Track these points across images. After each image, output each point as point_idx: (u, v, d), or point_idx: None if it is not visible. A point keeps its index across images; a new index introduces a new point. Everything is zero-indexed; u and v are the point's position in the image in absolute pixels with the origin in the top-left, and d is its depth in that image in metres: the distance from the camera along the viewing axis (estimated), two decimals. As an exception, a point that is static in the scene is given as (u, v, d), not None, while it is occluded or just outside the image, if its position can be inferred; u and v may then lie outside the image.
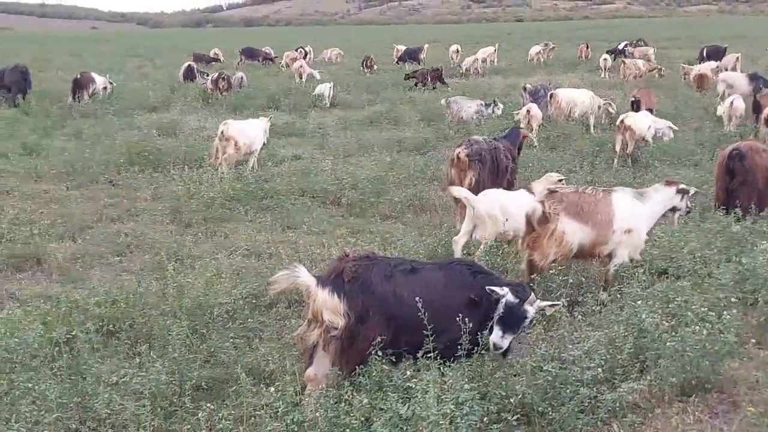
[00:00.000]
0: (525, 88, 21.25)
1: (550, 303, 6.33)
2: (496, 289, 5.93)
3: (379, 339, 5.66)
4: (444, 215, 11.80)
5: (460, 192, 9.65)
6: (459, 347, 5.73)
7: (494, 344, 5.89)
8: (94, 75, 25.42)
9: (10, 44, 65.02)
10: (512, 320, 5.95)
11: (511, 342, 6.07)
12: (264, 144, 15.35)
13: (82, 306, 7.43)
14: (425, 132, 18.60)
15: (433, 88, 28.13)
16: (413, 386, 5.30)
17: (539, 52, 39.10)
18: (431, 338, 5.61)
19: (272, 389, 5.63)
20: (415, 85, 28.56)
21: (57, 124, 19.90)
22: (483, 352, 5.90)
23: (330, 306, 5.71)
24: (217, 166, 14.08)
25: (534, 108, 17.67)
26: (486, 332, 5.91)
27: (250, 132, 14.82)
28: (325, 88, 24.87)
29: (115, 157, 15.24)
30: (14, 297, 8.54)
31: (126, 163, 14.81)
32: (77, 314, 7.27)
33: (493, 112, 19.76)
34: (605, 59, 31.99)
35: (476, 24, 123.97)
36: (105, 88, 25.32)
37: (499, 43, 41.24)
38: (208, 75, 29.21)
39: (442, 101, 20.44)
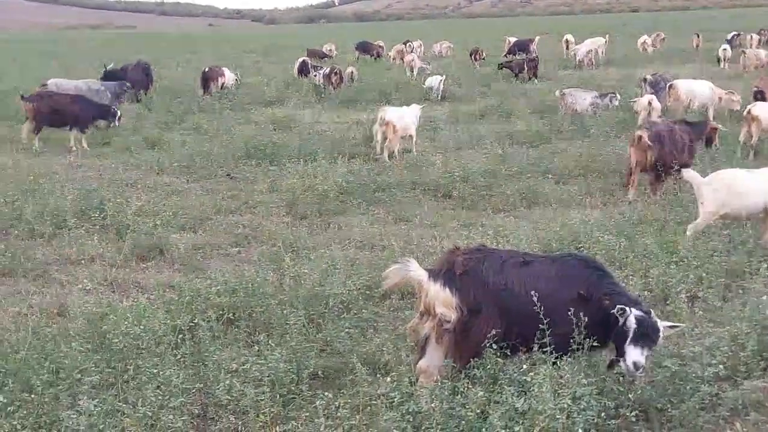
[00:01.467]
0: (645, 79, 20.73)
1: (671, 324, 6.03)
2: (625, 308, 5.65)
3: (492, 332, 5.64)
4: (558, 208, 11.68)
5: (688, 174, 9.90)
6: (570, 342, 5.62)
7: (635, 363, 5.57)
8: (224, 69, 26.24)
9: (131, 42, 67.66)
10: (648, 333, 5.66)
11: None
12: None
13: (203, 295, 7.64)
14: (537, 124, 18.38)
15: (530, 79, 27.84)
16: (529, 380, 5.28)
17: (644, 42, 38.20)
18: (542, 332, 5.55)
19: (388, 379, 5.69)
20: (516, 76, 28.28)
21: (177, 119, 20.53)
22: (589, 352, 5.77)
23: (442, 299, 5.72)
24: (380, 153, 15.54)
25: (655, 100, 17.23)
26: (590, 333, 5.65)
27: (405, 116, 16.04)
28: (435, 81, 24.85)
29: (232, 150, 15.66)
30: (139, 286, 8.85)
31: (243, 156, 15.22)
32: (199, 303, 7.49)
33: (611, 102, 19.36)
34: (725, 49, 30.92)
35: (589, 15, 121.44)
36: (233, 83, 26.06)
37: (609, 34, 40.03)
38: (320, 68, 29.62)
39: (557, 93, 20.16)
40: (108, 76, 24.31)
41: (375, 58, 41.00)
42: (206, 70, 25.91)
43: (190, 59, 42.92)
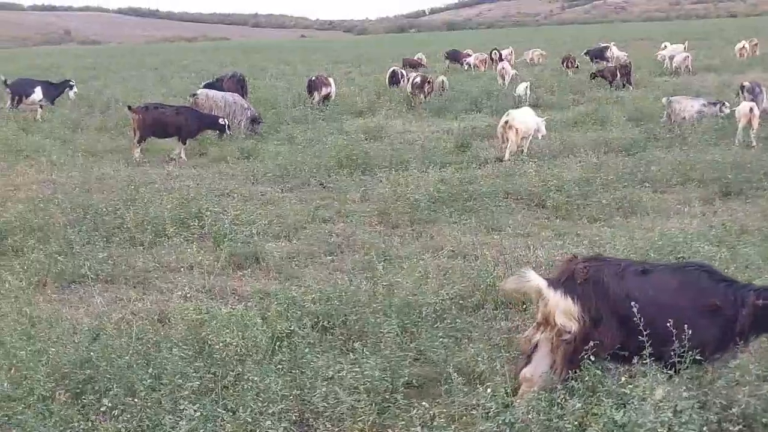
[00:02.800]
0: (743, 87, 20.15)
1: None
2: None
3: (612, 343, 5.57)
4: (655, 218, 11.45)
5: None
6: (695, 352, 5.48)
7: None
8: (330, 79, 26.58)
9: (226, 53, 69.09)
10: None
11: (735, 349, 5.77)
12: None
13: (298, 303, 7.73)
14: (633, 132, 18.06)
15: (623, 86, 27.38)
16: (629, 392, 5.19)
17: (743, 47, 37.35)
18: (662, 343, 5.44)
19: (483, 389, 5.65)
20: (610, 84, 27.89)
21: (271, 129, 20.84)
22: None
23: (563, 309, 5.65)
24: (502, 153, 16.17)
25: (755, 107, 16.72)
26: (731, 341, 5.62)
27: (528, 120, 16.67)
28: (521, 88, 24.72)
29: (325, 160, 15.82)
30: (236, 293, 8.98)
31: (335, 166, 15.37)
32: (294, 310, 7.57)
33: (720, 111, 18.83)
34: None
35: (685, 21, 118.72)
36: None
37: (687, 41, 39.14)
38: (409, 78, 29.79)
39: (663, 100, 19.74)
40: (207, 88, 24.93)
41: (466, 67, 40.96)
42: (313, 78, 26.37)
43: (283, 70, 43.62)
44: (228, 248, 10.16)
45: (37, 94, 24.65)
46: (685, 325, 5.44)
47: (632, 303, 5.49)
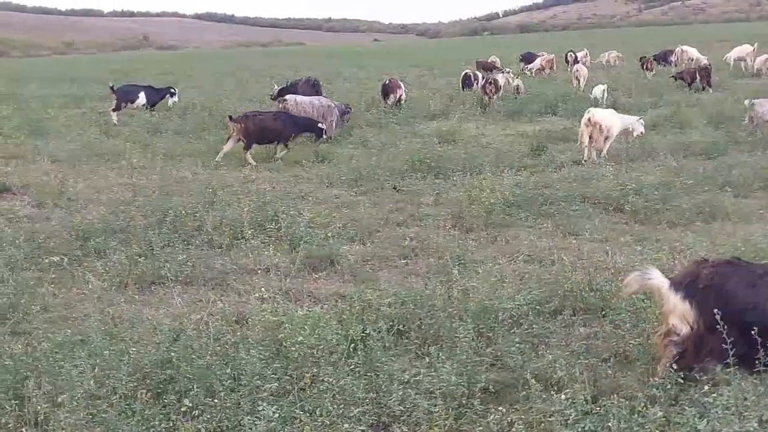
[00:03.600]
0: None
1: None
2: None
3: (727, 353, 5.39)
4: (738, 223, 11.18)
5: None
6: None
7: None
8: (401, 83, 26.83)
9: (300, 58, 69.80)
10: None
11: None
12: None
13: (374, 306, 7.73)
14: (714, 135, 17.67)
15: (703, 88, 26.84)
16: (712, 401, 5.08)
17: None
18: None
19: (563, 396, 5.57)
20: (689, 86, 27.39)
21: (345, 132, 20.95)
22: None
23: (679, 311, 5.61)
24: (583, 153, 16.23)
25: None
26: None
27: (610, 118, 16.54)
28: (598, 91, 24.39)
29: (398, 164, 15.84)
30: (312, 295, 9.04)
31: (409, 169, 15.36)
32: (369, 313, 7.57)
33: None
34: None
35: (766, 22, 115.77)
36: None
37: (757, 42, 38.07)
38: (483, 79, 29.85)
39: (746, 102, 19.24)
40: (282, 92, 25.29)
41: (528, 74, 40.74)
42: (387, 82, 26.59)
43: (356, 74, 43.86)
44: (303, 251, 10.22)
45: (141, 99, 25.51)
46: None
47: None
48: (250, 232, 10.75)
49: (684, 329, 5.55)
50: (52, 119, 24.05)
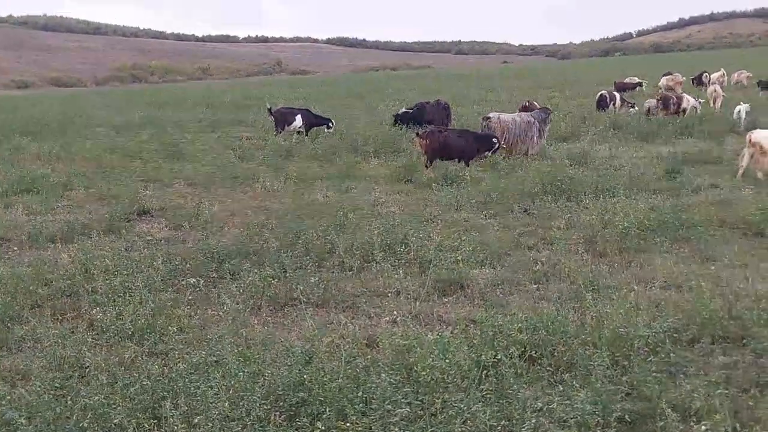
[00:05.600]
0: None
1: None
2: None
3: None
4: None
5: None
6: None
7: None
8: (537, 104, 27.02)
9: (429, 81, 70.17)
10: None
11: None
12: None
13: (504, 331, 7.64)
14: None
15: None
16: None
17: None
18: None
19: (702, 427, 5.41)
20: None
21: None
22: None
23: None
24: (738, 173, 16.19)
25: None
26: None
27: None
28: (742, 110, 23.57)
29: (528, 186, 15.66)
30: (441, 319, 9.01)
31: (539, 192, 15.16)
32: (500, 339, 7.48)
33: None
34: None
35: None
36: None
37: None
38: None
39: None
40: (401, 116, 25.62)
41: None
42: (526, 104, 26.93)
43: (485, 96, 43.75)
44: (433, 274, 10.23)
45: (297, 121, 26.18)
46: None
47: None
48: (380, 255, 10.85)
49: None
50: (188, 143, 25.03)
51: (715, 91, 30.68)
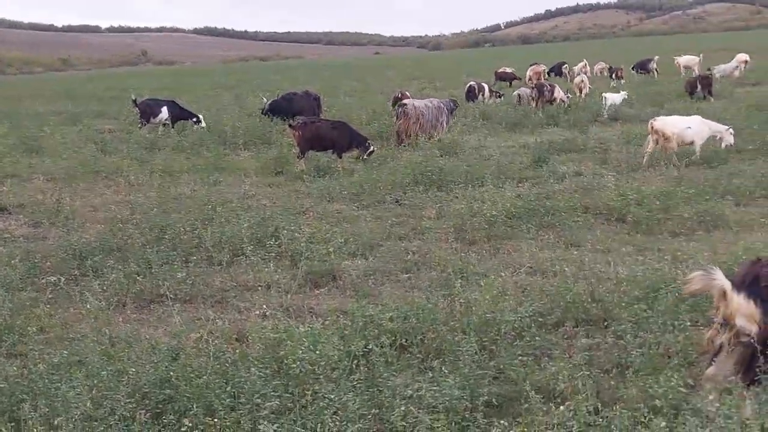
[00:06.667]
0: None
1: None
2: None
3: None
4: (739, 231, 11.19)
5: None
6: None
7: None
8: (409, 95, 27.37)
9: (300, 71, 69.98)
10: None
11: None
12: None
13: (375, 321, 7.69)
14: (715, 144, 17.65)
15: (704, 97, 26.95)
16: (714, 410, 5.14)
17: None
18: None
19: (563, 408, 5.57)
20: (691, 95, 27.53)
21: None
22: None
23: (745, 312, 5.61)
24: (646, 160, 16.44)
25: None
26: None
27: (678, 124, 16.79)
28: (618, 98, 25.47)
29: (400, 177, 15.76)
30: (313, 311, 9.00)
31: (411, 183, 15.31)
32: (372, 329, 7.53)
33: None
34: None
35: (766, 30, 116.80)
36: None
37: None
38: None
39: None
40: (274, 107, 25.42)
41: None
42: (398, 94, 27.22)
43: (356, 87, 43.94)
44: (305, 267, 10.20)
45: (163, 113, 25.47)
46: None
47: None
48: (250, 248, 10.69)
49: (753, 329, 5.56)
50: (47, 137, 24.04)
51: (582, 81, 31.84)
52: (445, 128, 21.92)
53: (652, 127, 16.65)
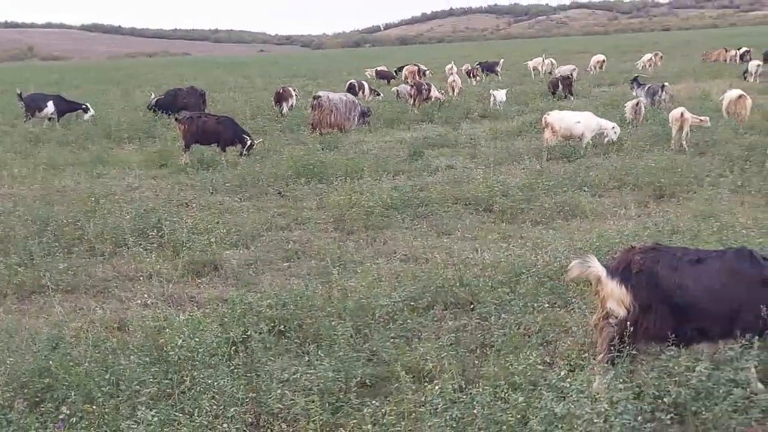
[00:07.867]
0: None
1: None
2: None
3: (659, 331, 6.02)
4: (594, 220, 11.95)
5: None
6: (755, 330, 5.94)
7: None
8: (293, 91, 27.73)
9: (187, 68, 68.85)
10: None
11: None
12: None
13: (255, 308, 7.92)
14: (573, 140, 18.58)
15: (565, 96, 28.27)
16: (568, 385, 5.50)
17: (650, 59, 43.30)
18: (723, 324, 6.01)
19: (431, 387, 5.92)
20: (552, 94, 28.77)
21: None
22: None
23: (616, 296, 6.05)
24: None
25: (685, 111, 17.42)
26: None
27: (567, 119, 17.99)
28: (501, 95, 27.06)
29: (282, 170, 16.04)
30: (194, 300, 9.18)
31: (293, 175, 15.59)
32: (251, 316, 7.75)
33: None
34: (758, 65, 33.71)
35: (623, 34, 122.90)
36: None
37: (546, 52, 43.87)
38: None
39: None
40: (160, 102, 25.20)
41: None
42: (280, 90, 27.14)
43: (241, 84, 43.76)
44: (186, 257, 10.36)
45: (49, 108, 24.93)
46: (739, 305, 6.01)
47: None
48: (132, 239, 10.78)
49: (621, 312, 6.03)
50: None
51: (454, 81, 32.95)
52: (355, 122, 22.48)
53: (545, 121, 17.67)
